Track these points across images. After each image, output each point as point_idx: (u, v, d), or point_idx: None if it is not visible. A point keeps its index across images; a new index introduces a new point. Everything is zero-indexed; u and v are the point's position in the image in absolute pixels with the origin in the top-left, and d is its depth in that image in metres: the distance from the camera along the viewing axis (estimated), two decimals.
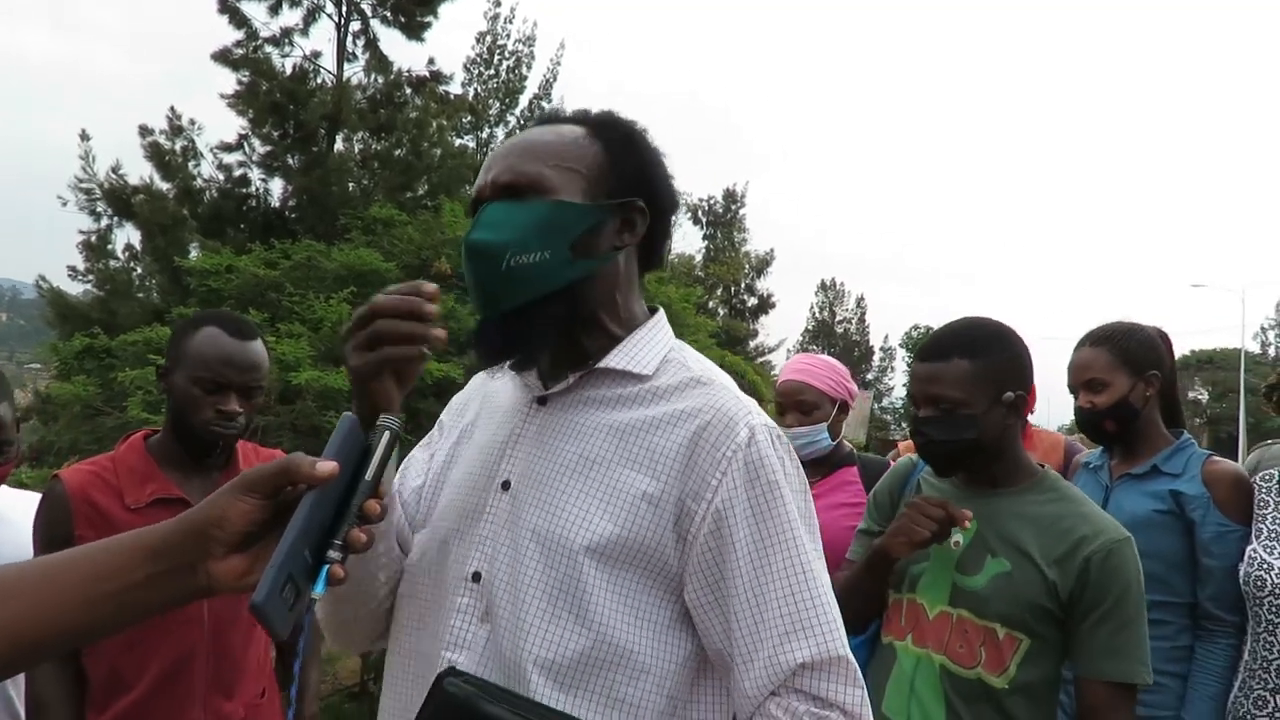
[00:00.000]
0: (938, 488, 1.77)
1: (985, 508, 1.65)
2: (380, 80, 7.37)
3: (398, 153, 7.15)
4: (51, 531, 1.72)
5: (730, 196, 26.84)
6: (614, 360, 1.09)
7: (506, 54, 11.60)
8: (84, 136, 6.54)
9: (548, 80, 10.86)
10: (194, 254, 6.36)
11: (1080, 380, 2.21)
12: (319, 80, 7.21)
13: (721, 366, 1.19)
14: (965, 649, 1.61)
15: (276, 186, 7.18)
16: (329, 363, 4.77)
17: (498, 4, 11.81)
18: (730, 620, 1.00)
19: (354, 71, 7.35)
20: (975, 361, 1.63)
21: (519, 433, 1.11)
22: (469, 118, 9.06)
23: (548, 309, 1.05)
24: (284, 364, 4.46)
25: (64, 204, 6.57)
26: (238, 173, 7.10)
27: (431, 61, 7.65)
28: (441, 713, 0.90)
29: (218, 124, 7.51)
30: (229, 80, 6.98)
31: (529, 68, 11.30)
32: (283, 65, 7.11)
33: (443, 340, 0.99)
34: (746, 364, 10.19)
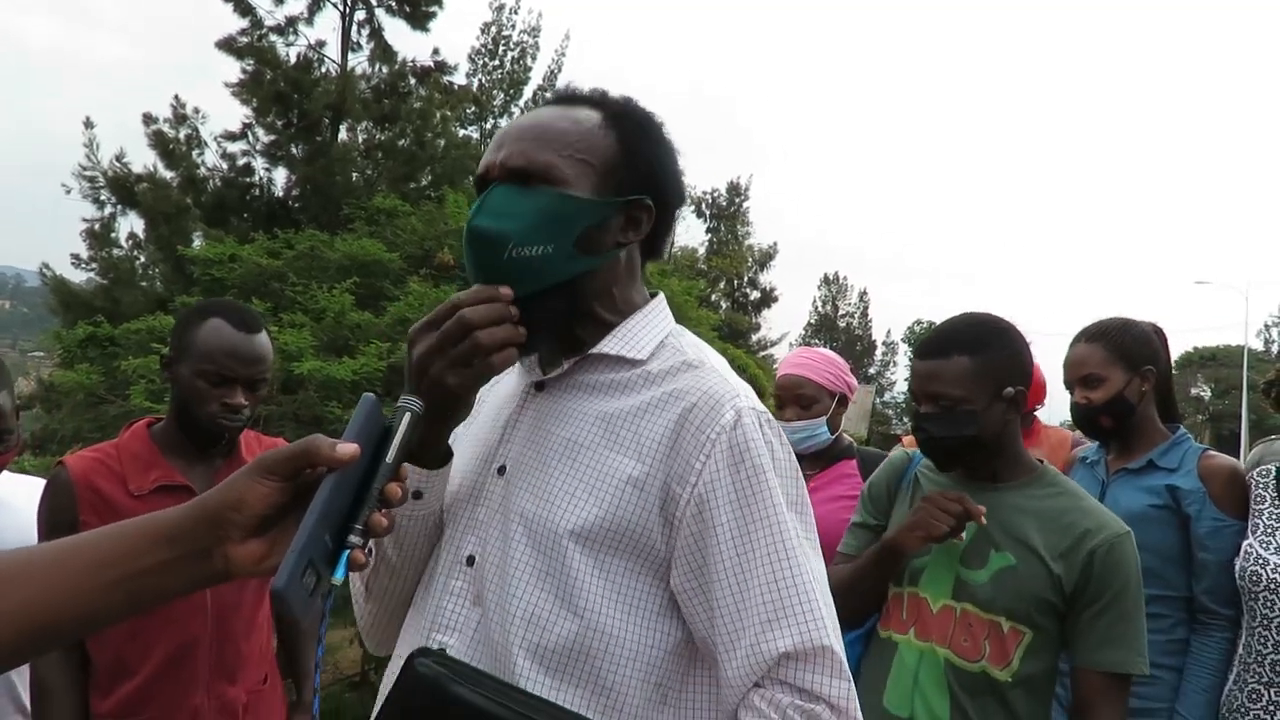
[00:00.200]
0: (937, 482, 1.77)
1: (987, 502, 1.65)
2: (385, 70, 7.36)
3: (402, 143, 7.15)
4: (56, 517, 1.73)
5: (734, 190, 26.84)
6: (608, 346, 1.09)
7: (511, 45, 11.59)
8: (88, 124, 6.55)
9: (552, 71, 10.87)
10: (197, 243, 6.37)
11: (1076, 376, 2.21)
12: (323, 70, 7.20)
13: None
14: (970, 642, 1.62)
15: (280, 176, 7.19)
16: (331, 353, 4.77)
17: None
18: (713, 607, 0.98)
19: (358, 61, 7.35)
20: (976, 358, 1.64)
21: (516, 418, 1.12)
22: (473, 108, 9.06)
23: (546, 303, 1.04)
24: (286, 354, 4.47)
25: (68, 192, 6.58)
26: (241, 162, 7.10)
27: (436, 52, 7.64)
28: (409, 692, 0.89)
29: (222, 113, 7.51)
30: (233, 69, 6.99)
31: (534, 59, 11.31)
32: (287, 54, 7.10)
33: (524, 339, 0.99)
34: (749, 357, 10.19)
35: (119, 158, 6.64)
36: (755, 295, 26.71)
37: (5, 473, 1.87)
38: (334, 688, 5.32)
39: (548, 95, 1.29)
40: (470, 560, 1.06)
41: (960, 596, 1.65)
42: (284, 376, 4.47)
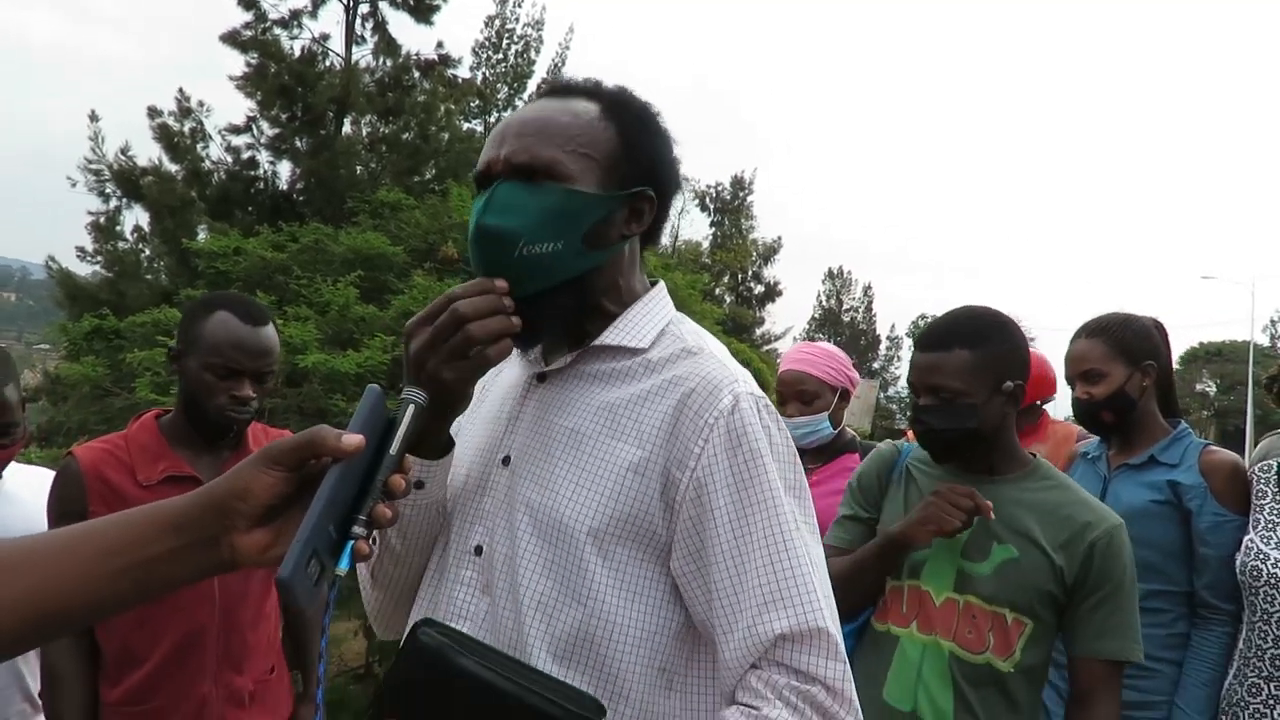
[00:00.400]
0: (931, 475, 1.78)
1: (986, 495, 1.66)
2: (388, 63, 7.37)
3: (405, 136, 7.16)
4: (65, 507, 1.75)
5: (738, 184, 26.78)
6: (610, 337, 1.10)
7: (515, 38, 11.56)
8: (93, 117, 6.58)
9: (556, 65, 10.85)
10: (202, 236, 6.39)
11: (1077, 371, 2.21)
12: (327, 63, 7.22)
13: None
14: (974, 634, 1.63)
15: (284, 169, 7.22)
16: (335, 346, 4.79)
17: None
18: (711, 590, 0.99)
19: (362, 54, 7.36)
20: (976, 351, 1.65)
21: (519, 409, 1.12)
22: (477, 102, 9.05)
23: (557, 299, 1.04)
24: (291, 347, 4.48)
25: (73, 185, 6.62)
26: (246, 155, 7.13)
27: (440, 45, 7.65)
28: (412, 661, 0.90)
29: (226, 106, 7.53)
30: (237, 62, 7.00)
31: (537, 52, 11.28)
32: (291, 47, 7.13)
33: (519, 329, 0.99)
34: (752, 351, 10.20)
35: (124, 151, 6.67)
36: (759, 289, 26.68)
37: (12, 465, 1.88)
38: (339, 679, 5.34)
39: (546, 85, 1.27)
40: (478, 550, 1.07)
41: (963, 589, 1.66)
42: (288, 369, 4.49)
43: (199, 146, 6.93)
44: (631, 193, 1.09)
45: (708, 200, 26.35)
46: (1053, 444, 3.29)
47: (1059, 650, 1.72)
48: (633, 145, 1.09)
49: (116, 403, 4.91)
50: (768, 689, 0.95)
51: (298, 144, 7.02)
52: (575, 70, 11.97)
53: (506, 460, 1.10)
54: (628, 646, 1.01)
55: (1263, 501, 2.03)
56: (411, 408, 0.89)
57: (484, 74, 11.04)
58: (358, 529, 0.81)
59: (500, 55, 11.54)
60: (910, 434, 4.26)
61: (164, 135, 6.77)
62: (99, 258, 6.77)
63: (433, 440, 1.04)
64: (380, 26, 7.38)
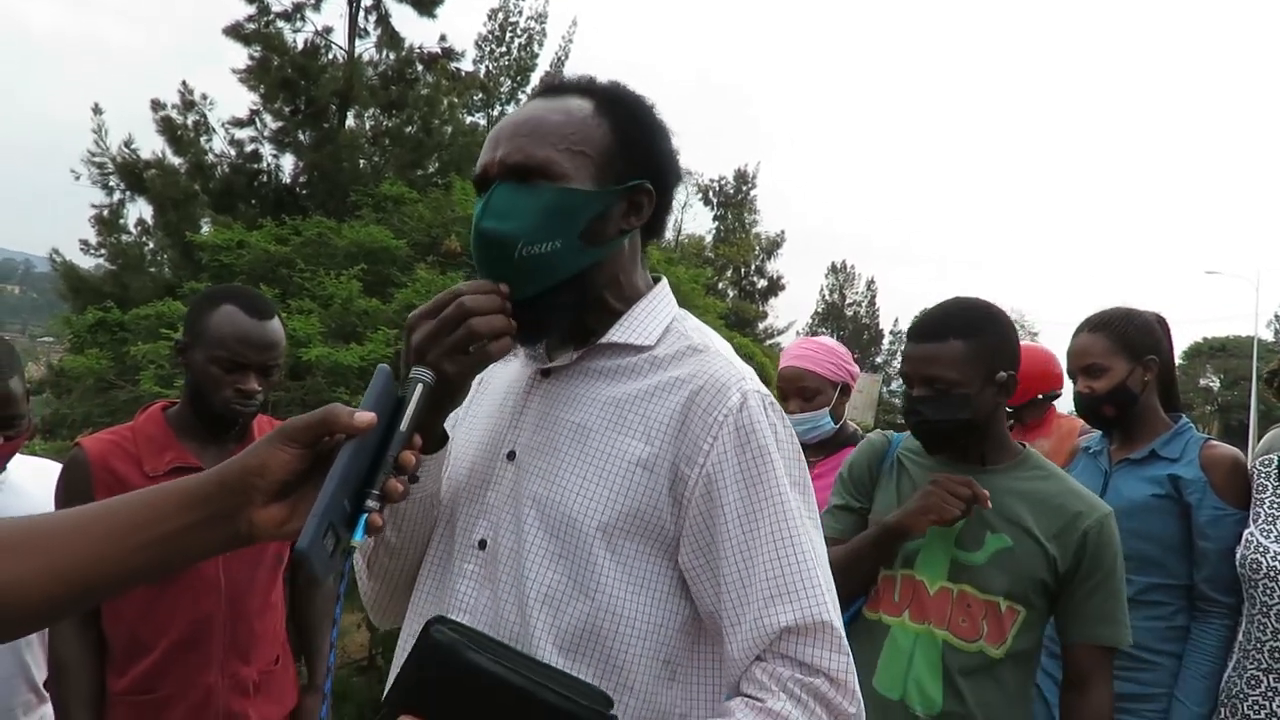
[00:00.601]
0: (923, 465, 1.80)
1: (980, 485, 1.68)
2: (392, 57, 7.36)
3: (409, 130, 7.15)
4: (71, 497, 1.76)
5: (741, 177, 26.74)
6: (616, 334, 1.11)
7: (518, 31, 11.51)
8: (97, 110, 6.57)
9: (559, 58, 10.80)
10: (205, 229, 6.38)
11: (1079, 365, 2.23)
12: (330, 56, 7.20)
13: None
14: (968, 623, 1.66)
15: (288, 162, 7.21)
16: (339, 339, 4.79)
17: None
18: (719, 583, 1.01)
19: (365, 47, 7.34)
20: (970, 342, 1.67)
21: (524, 404, 1.13)
22: (480, 95, 9.02)
23: (559, 298, 1.06)
24: (294, 340, 4.49)
25: (77, 178, 6.61)
26: (249, 148, 7.12)
27: (443, 38, 7.62)
28: (426, 658, 0.91)
29: (230, 99, 7.52)
30: (241, 55, 6.99)
31: (541, 45, 11.22)
32: (294, 40, 7.10)
33: (515, 331, 1.02)
34: (755, 346, 10.19)
35: (128, 144, 6.66)
36: (762, 283, 26.65)
37: (17, 457, 1.89)
38: (342, 671, 5.36)
39: (540, 85, 1.28)
40: (482, 544, 1.08)
41: (958, 578, 1.68)
42: (292, 363, 4.50)
43: (202, 139, 6.93)
44: (628, 186, 1.09)
45: (711, 194, 26.31)
46: (1056, 438, 3.29)
47: (1055, 640, 1.74)
48: (628, 139, 1.10)
49: (120, 395, 4.93)
50: (772, 681, 0.97)
51: (301, 137, 7.01)
52: (578, 64, 11.97)
53: (511, 455, 1.10)
54: (634, 639, 1.02)
55: (1263, 495, 2.04)
56: (420, 386, 0.92)
57: (487, 67, 11.00)
58: (371, 502, 0.85)
59: (504, 48, 11.48)
60: None
61: (167, 128, 6.77)
62: (103, 251, 6.77)
63: (427, 434, 1.05)
64: (383, 19, 7.36)
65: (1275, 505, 2.01)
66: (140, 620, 1.78)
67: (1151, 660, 2.06)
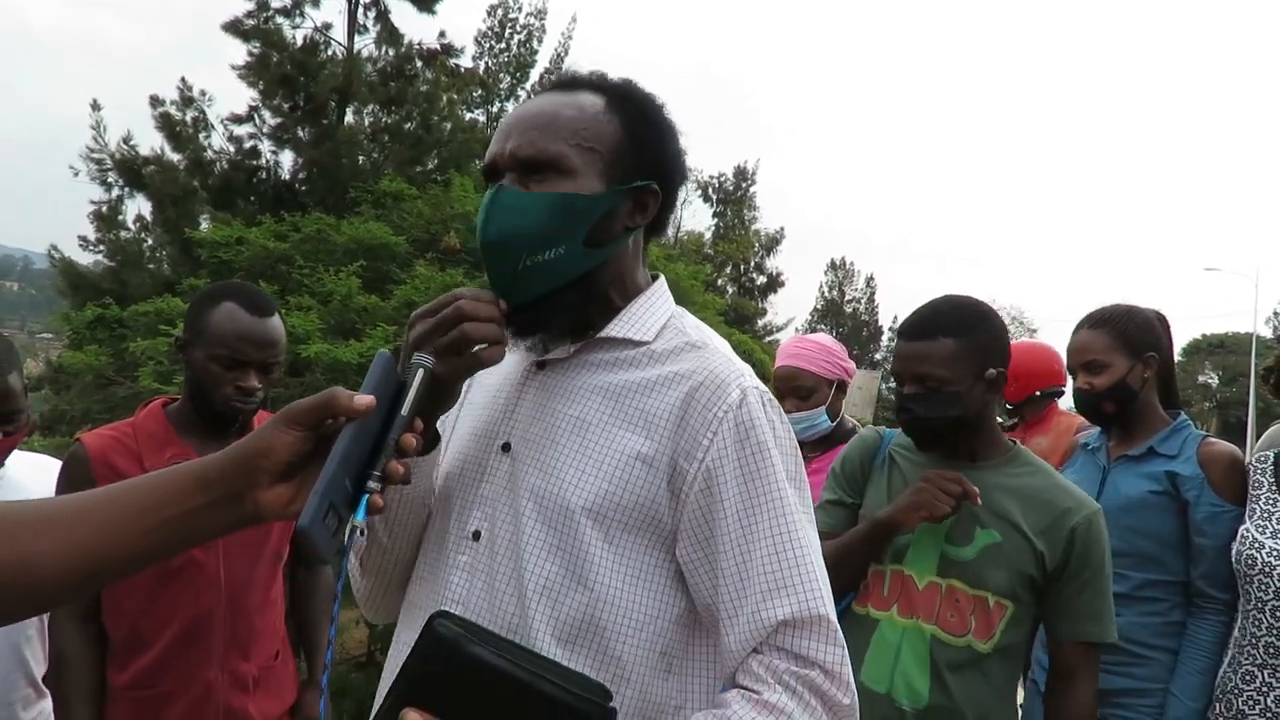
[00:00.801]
0: (915, 461, 1.81)
1: (971, 481, 1.69)
2: (391, 53, 7.34)
3: (408, 126, 7.14)
4: (72, 492, 1.75)
5: (741, 174, 26.73)
6: (614, 329, 1.12)
7: (518, 27, 11.53)
8: (95, 106, 6.56)
9: (559, 54, 10.80)
10: (204, 225, 6.38)
11: (1079, 362, 2.23)
12: (329, 52, 7.19)
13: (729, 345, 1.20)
14: (956, 618, 1.67)
15: (287, 159, 7.20)
16: (338, 336, 4.79)
17: None
18: (717, 577, 1.02)
19: (365, 44, 7.32)
20: (960, 340, 1.68)
21: (519, 396, 1.14)
22: (479, 91, 9.01)
23: (563, 298, 1.07)
24: (294, 337, 4.48)
25: (75, 174, 6.61)
26: (248, 144, 7.11)
27: (442, 34, 7.60)
28: (429, 652, 0.92)
29: (229, 95, 7.52)
30: (240, 51, 6.97)
31: (540, 41, 11.23)
32: (293, 36, 7.08)
33: (506, 341, 1.04)
34: (754, 342, 10.18)
35: (126, 140, 6.65)
36: (762, 280, 26.65)
37: (15, 453, 1.89)
38: (340, 668, 5.36)
39: (552, 79, 1.29)
40: (476, 535, 1.09)
41: (947, 573, 1.69)
42: (291, 359, 4.49)
43: (201, 136, 6.92)
44: (636, 186, 1.09)
45: (710, 191, 26.30)
46: (1054, 435, 3.29)
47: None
48: (637, 138, 1.10)
49: (119, 392, 4.92)
50: (768, 673, 0.98)
51: (300, 134, 7.00)
52: (578, 59, 11.94)
53: (506, 447, 1.11)
54: (631, 630, 1.03)
55: (1259, 492, 2.05)
56: (421, 371, 0.93)
57: (487, 63, 11.01)
58: (372, 483, 0.87)
59: (503, 45, 11.50)
60: None
61: (166, 124, 6.76)
62: (101, 247, 6.76)
63: (426, 423, 1.06)
64: (383, 15, 7.34)
65: (1271, 501, 2.02)
66: (141, 615, 1.78)
67: (1147, 656, 2.07)
